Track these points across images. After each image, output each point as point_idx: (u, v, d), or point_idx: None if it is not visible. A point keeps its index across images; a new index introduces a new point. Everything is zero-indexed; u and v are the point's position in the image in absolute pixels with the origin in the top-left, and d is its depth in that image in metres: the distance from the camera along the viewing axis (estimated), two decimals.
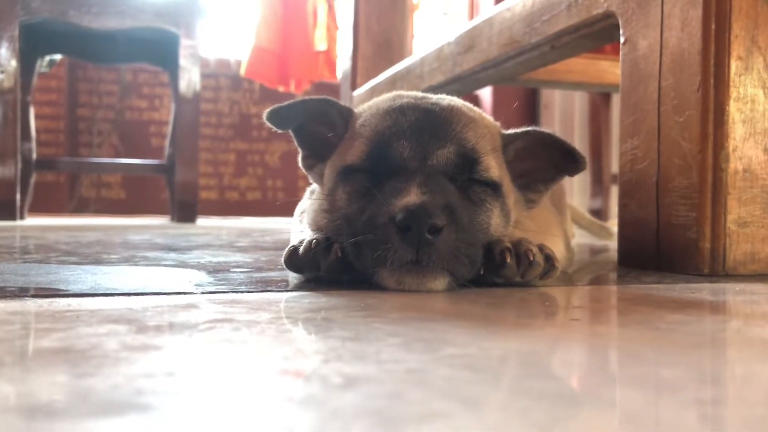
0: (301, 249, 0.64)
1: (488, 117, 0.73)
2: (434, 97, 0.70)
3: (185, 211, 2.62)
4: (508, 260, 0.62)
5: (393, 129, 0.65)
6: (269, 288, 0.61)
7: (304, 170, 0.77)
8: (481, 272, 0.63)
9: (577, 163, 0.70)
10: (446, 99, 0.70)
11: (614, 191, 3.02)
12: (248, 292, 0.59)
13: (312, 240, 0.64)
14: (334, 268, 0.62)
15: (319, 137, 0.74)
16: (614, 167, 3.06)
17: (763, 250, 0.82)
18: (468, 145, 0.64)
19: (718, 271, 0.80)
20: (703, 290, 0.67)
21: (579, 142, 3.86)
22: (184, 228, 2.06)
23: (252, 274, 0.73)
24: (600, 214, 3.13)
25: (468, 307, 0.53)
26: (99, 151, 3.71)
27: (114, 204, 3.72)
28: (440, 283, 0.59)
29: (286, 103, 0.73)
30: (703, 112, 0.80)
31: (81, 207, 3.68)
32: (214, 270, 0.76)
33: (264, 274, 0.72)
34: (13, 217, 2.29)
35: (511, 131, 0.72)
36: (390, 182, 0.61)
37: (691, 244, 0.81)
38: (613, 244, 1.29)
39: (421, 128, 0.64)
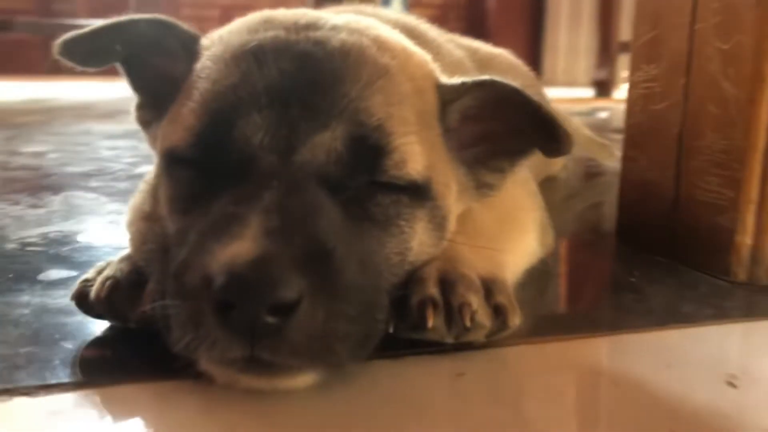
0: (92, 292, 0.39)
1: (417, 53, 0.45)
2: (328, 24, 0.42)
3: None
4: (430, 322, 0.38)
5: (239, 92, 0.37)
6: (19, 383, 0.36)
7: (140, 127, 0.50)
8: (390, 330, 0.39)
9: (558, 144, 0.43)
10: (345, 30, 0.42)
11: (622, 60, 2.69)
12: None
13: (107, 280, 0.39)
14: (150, 322, 0.37)
15: (164, 74, 0.47)
16: (623, 34, 2.72)
17: None
18: (371, 122, 0.38)
19: (761, 278, 0.55)
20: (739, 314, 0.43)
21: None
22: None
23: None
24: (605, 86, 2.82)
25: (357, 409, 0.29)
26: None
27: None
28: (303, 380, 0.34)
29: (90, 28, 0.45)
30: (761, 38, 0.52)
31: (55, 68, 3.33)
32: None
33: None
34: None
35: (455, 81, 0.44)
36: (225, 194, 0.36)
37: (723, 235, 0.56)
38: (613, 167, 1.02)
39: (287, 92, 0.37)
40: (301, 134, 0.36)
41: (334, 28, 0.41)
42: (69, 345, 0.40)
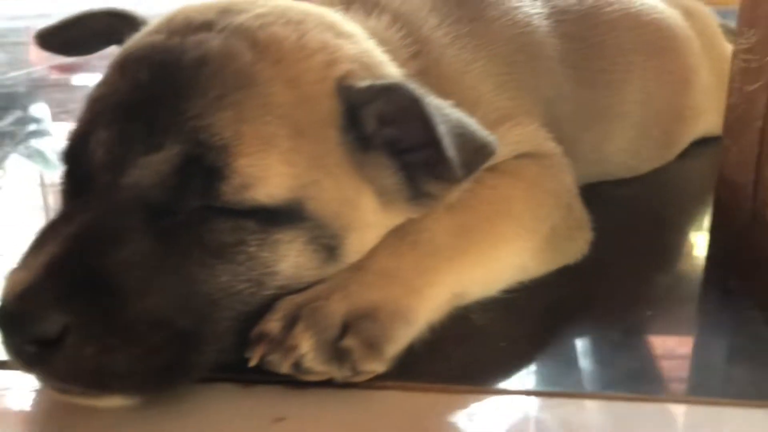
0: None
1: (327, 50, 0.39)
2: (221, 24, 0.38)
3: None
4: (253, 361, 0.35)
5: (99, 104, 0.37)
6: None
7: None
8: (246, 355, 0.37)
9: (446, 168, 0.36)
10: (230, 31, 0.38)
11: None
12: None
13: None
14: None
15: None
16: None
17: None
18: (211, 141, 0.35)
19: None
20: None
21: None
22: None
23: None
24: None
25: None
26: None
27: None
28: (108, 401, 0.35)
29: (58, 20, 0.47)
30: None
31: None
32: None
33: None
34: None
35: (363, 83, 0.39)
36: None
37: None
38: None
39: (134, 106, 0.36)
40: (132, 154, 0.35)
41: (223, 29, 0.38)
42: None
